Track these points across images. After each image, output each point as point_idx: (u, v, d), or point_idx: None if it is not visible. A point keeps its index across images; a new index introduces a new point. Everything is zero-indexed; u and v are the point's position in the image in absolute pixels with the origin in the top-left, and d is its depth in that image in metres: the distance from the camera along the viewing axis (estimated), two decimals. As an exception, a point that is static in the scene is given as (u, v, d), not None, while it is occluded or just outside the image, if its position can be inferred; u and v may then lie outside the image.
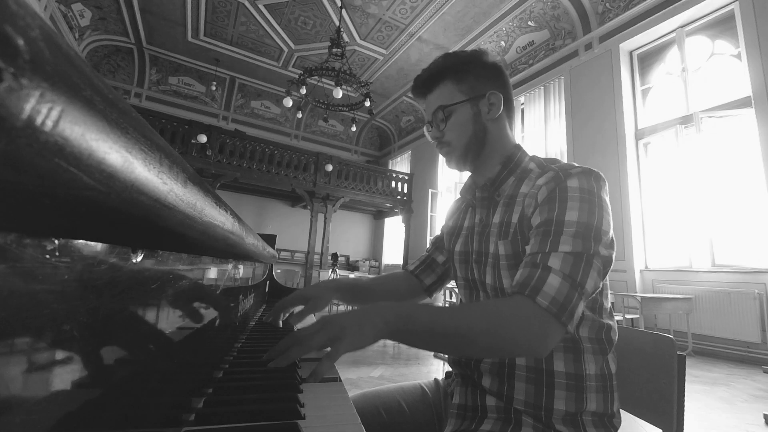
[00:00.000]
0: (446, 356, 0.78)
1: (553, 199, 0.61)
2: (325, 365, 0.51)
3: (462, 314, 0.55)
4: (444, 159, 0.78)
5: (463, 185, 0.84)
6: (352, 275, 6.88)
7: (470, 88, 0.72)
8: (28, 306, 0.17)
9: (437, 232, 0.98)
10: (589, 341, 0.63)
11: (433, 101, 0.75)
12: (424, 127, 0.79)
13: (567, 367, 0.62)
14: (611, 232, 0.60)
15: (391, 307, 0.54)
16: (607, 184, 0.64)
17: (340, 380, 0.63)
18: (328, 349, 0.52)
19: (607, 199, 0.62)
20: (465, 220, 0.81)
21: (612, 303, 4.25)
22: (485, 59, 0.74)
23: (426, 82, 0.75)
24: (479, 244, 0.73)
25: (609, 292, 0.68)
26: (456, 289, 0.92)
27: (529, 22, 6.04)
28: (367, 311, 0.54)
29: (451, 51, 0.76)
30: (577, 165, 0.65)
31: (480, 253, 0.73)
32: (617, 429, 0.64)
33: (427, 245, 0.98)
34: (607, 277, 0.67)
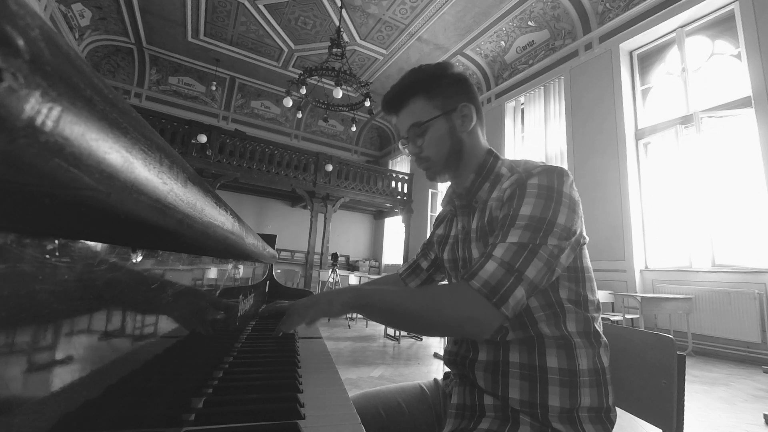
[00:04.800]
0: (443, 357, 0.80)
1: (512, 197, 0.64)
2: (294, 321, 0.64)
3: (410, 294, 0.63)
4: (424, 173, 0.79)
5: (443, 197, 0.86)
6: (352, 275, 6.87)
7: (442, 102, 0.72)
8: (28, 306, 0.17)
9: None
10: (578, 336, 0.64)
11: (405, 118, 0.74)
12: (399, 143, 0.80)
13: (560, 363, 0.62)
14: (572, 224, 0.61)
15: (357, 288, 0.65)
16: (571, 178, 0.65)
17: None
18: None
19: (574, 193, 0.64)
20: (451, 229, 0.83)
21: (611, 302, 4.25)
22: (452, 71, 0.75)
23: (396, 98, 0.75)
24: (463, 251, 0.76)
25: (594, 285, 0.69)
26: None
27: (529, 22, 6.04)
28: (338, 291, 0.65)
29: (419, 65, 0.76)
30: (541, 164, 0.67)
31: (465, 259, 0.75)
32: (613, 423, 0.64)
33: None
34: (592, 270, 0.69)
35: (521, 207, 0.62)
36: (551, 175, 0.64)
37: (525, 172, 0.66)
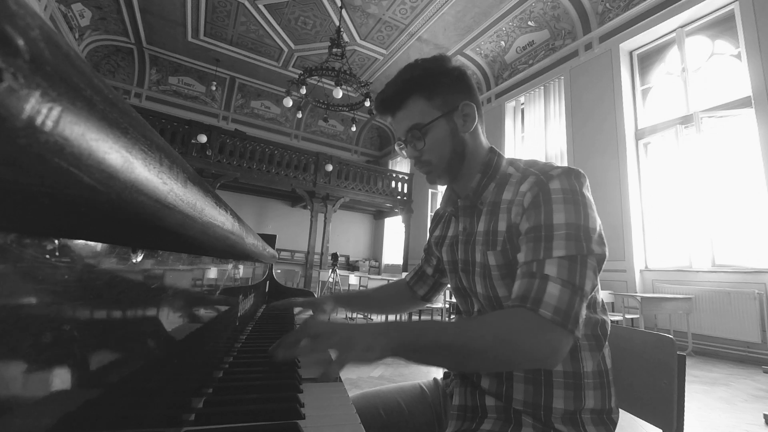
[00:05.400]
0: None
1: (537, 203, 0.60)
2: (334, 370, 0.50)
3: (468, 330, 0.54)
4: (425, 177, 0.75)
5: (442, 197, 0.82)
6: (352, 275, 6.87)
7: (443, 101, 0.68)
8: (28, 306, 0.17)
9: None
10: (585, 338, 0.64)
11: (403, 119, 0.69)
12: (395, 145, 0.74)
13: (565, 365, 0.62)
14: (599, 228, 0.60)
15: (397, 326, 0.53)
16: (587, 180, 0.63)
17: (341, 380, 0.63)
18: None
19: (590, 195, 0.62)
20: (449, 229, 0.80)
21: (611, 302, 4.25)
22: (450, 66, 0.70)
23: (393, 98, 0.69)
24: (465, 253, 0.72)
25: (599, 286, 0.69)
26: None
27: (529, 22, 6.04)
28: (376, 328, 0.52)
29: (413, 61, 0.70)
30: (556, 165, 0.64)
31: (467, 262, 0.72)
32: (615, 424, 0.64)
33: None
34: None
35: (553, 215, 0.58)
36: (570, 176, 0.61)
37: (542, 173, 0.62)
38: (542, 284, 0.54)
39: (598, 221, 0.61)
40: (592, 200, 0.62)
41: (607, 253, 0.60)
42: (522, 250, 0.60)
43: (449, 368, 0.58)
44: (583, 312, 0.55)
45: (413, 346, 0.52)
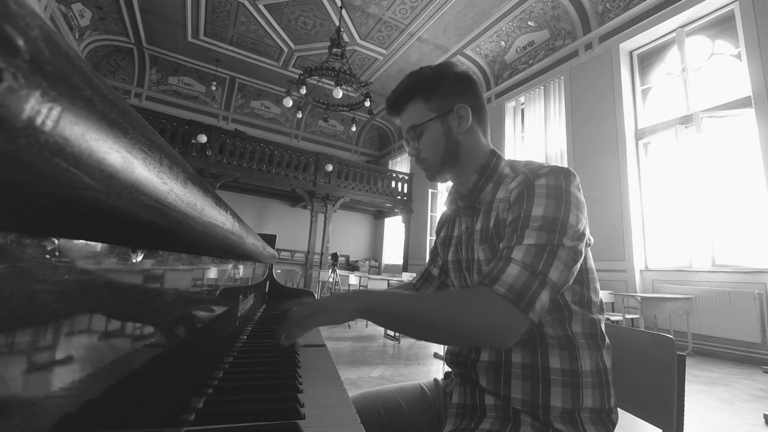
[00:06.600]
0: (445, 356, 0.80)
1: (521, 198, 0.64)
2: (296, 331, 0.60)
3: (427, 300, 0.60)
4: (424, 174, 0.80)
5: (447, 197, 0.87)
6: (352, 275, 6.87)
7: (438, 104, 0.73)
8: (28, 306, 0.17)
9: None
10: (582, 337, 0.64)
11: (405, 120, 0.77)
12: (404, 143, 0.82)
13: (563, 363, 0.62)
14: (581, 225, 0.61)
15: (367, 292, 0.62)
16: (577, 179, 0.65)
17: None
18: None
19: (579, 194, 0.64)
20: (454, 230, 0.83)
21: (611, 302, 4.25)
22: (452, 72, 0.75)
23: (396, 102, 0.77)
24: (467, 252, 0.76)
25: (597, 286, 0.69)
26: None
27: (529, 22, 6.04)
28: (347, 295, 0.62)
29: (418, 68, 0.77)
30: (547, 165, 0.67)
31: (469, 260, 0.76)
32: (615, 424, 0.64)
33: (427, 247, 1.00)
34: (595, 272, 0.68)
35: (532, 207, 0.61)
36: (558, 175, 0.64)
37: (531, 172, 0.66)
38: (504, 265, 0.58)
39: (583, 220, 0.62)
40: (581, 199, 0.64)
41: (582, 250, 0.61)
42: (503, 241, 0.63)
43: (410, 335, 0.63)
44: (544, 299, 0.56)
45: (379, 311, 0.60)
